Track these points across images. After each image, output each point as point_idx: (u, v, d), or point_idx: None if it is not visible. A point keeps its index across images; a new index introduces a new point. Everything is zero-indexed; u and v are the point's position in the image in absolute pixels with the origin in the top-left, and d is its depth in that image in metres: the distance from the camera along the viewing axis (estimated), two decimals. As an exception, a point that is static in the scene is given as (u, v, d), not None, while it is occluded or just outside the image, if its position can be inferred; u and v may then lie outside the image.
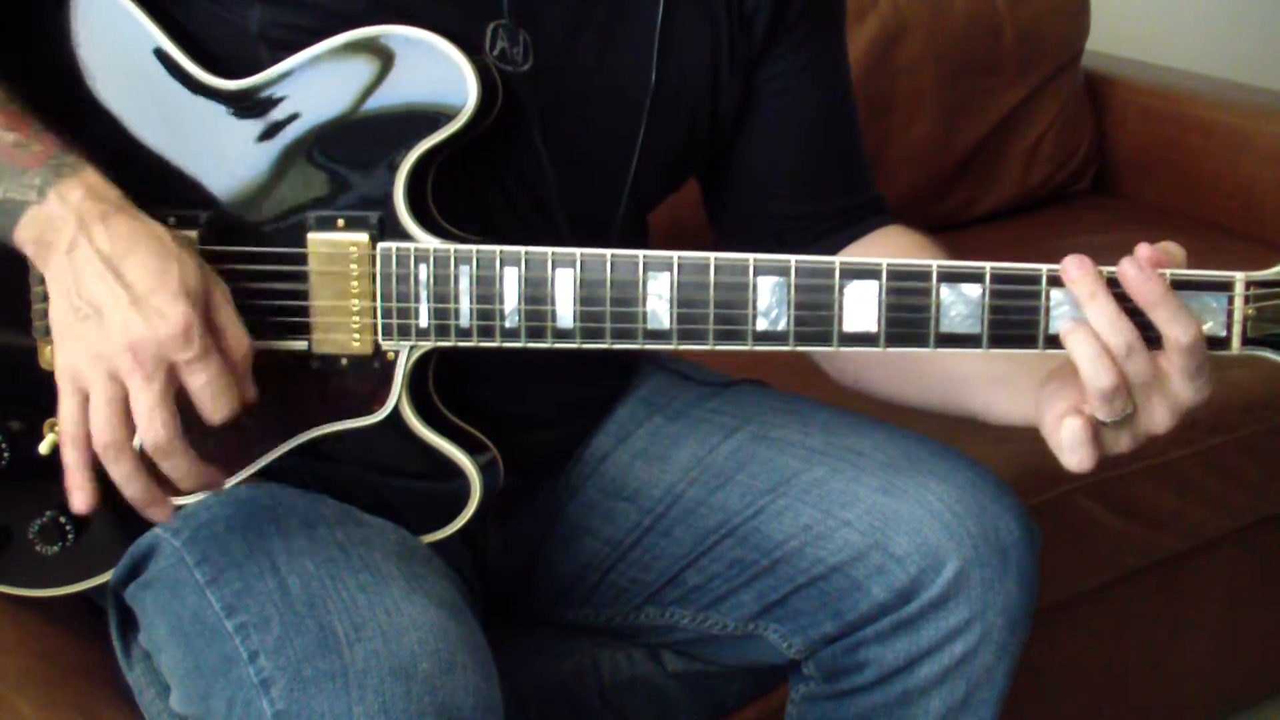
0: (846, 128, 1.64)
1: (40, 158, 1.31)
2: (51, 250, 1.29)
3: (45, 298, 1.40)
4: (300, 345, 1.35)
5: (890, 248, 1.58)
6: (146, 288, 1.26)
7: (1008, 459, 1.86)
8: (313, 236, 1.36)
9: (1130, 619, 2.37)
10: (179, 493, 1.33)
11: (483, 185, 1.43)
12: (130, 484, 1.30)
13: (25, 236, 1.30)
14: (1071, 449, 1.29)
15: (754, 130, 1.58)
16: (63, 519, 1.46)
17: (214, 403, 1.28)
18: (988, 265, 1.27)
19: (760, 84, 1.56)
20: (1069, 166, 3.12)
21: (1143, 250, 1.25)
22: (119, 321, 1.25)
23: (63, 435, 1.30)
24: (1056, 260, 1.28)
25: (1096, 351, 1.24)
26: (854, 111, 1.65)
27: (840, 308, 1.29)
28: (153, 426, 1.26)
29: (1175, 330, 1.24)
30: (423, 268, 1.34)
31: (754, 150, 1.59)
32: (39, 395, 1.45)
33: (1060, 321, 1.27)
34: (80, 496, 1.31)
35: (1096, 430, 1.29)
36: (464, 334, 1.35)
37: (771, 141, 1.58)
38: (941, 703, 1.50)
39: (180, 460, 1.29)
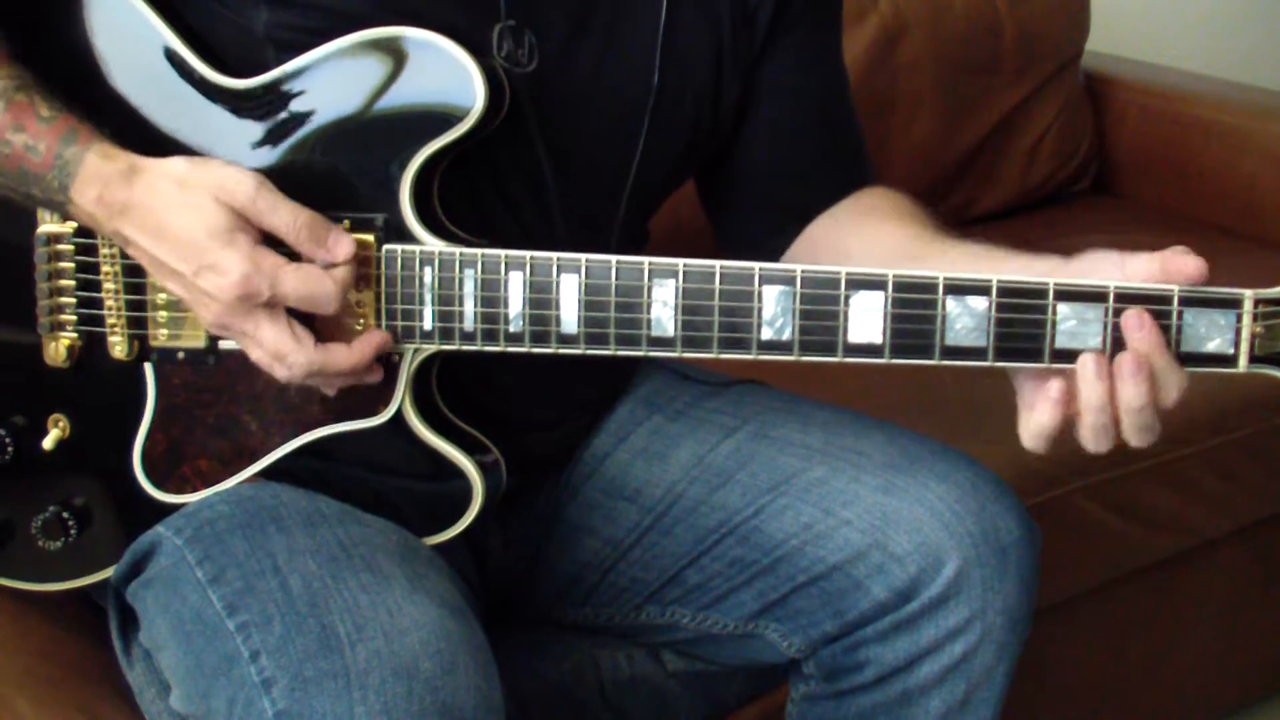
0: (845, 119, 1.65)
1: (47, 159, 1.32)
2: (116, 244, 1.36)
3: (50, 293, 1.41)
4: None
5: (863, 207, 1.59)
6: (192, 264, 1.28)
7: (1008, 459, 1.85)
8: (318, 237, 1.36)
9: (1130, 619, 2.37)
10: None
11: (484, 187, 1.43)
12: (332, 386, 1.36)
13: (84, 227, 1.38)
14: (1034, 437, 1.30)
15: (755, 126, 1.58)
16: (65, 514, 1.47)
17: (318, 304, 1.30)
18: (994, 277, 1.27)
19: (760, 81, 1.56)
20: (1069, 166, 3.12)
21: (1186, 267, 1.25)
22: (197, 304, 1.31)
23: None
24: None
25: (1103, 402, 1.26)
26: (850, 103, 1.65)
27: (845, 318, 1.29)
28: (290, 361, 1.31)
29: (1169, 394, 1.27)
30: (428, 270, 1.34)
31: (754, 146, 1.59)
32: (43, 391, 1.45)
33: (1080, 349, 1.27)
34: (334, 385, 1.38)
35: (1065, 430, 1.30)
36: (468, 338, 1.35)
37: (772, 136, 1.58)
38: (941, 702, 1.50)
39: (334, 363, 1.32)
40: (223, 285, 1.27)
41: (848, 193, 1.61)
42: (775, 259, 1.60)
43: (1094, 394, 1.26)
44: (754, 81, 1.56)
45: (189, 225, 1.28)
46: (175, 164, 1.31)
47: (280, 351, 1.30)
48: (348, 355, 1.32)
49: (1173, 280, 1.25)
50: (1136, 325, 1.24)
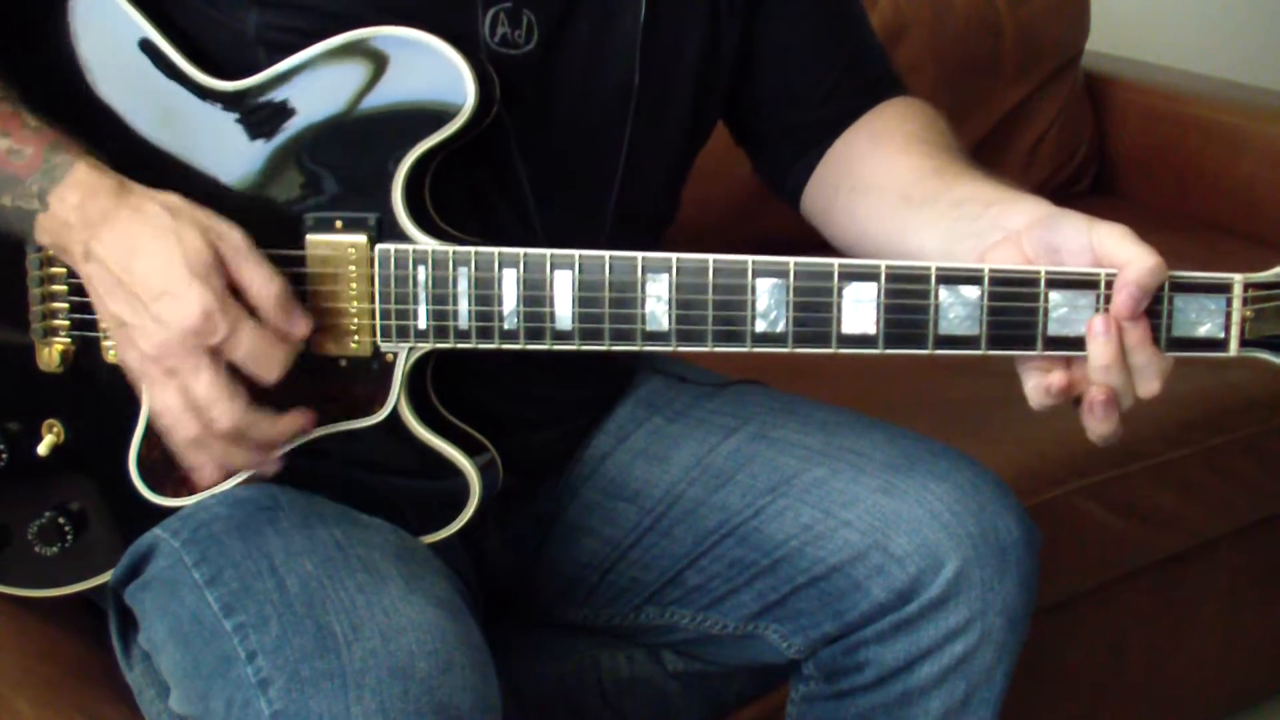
0: (858, 34, 1.65)
1: (33, 163, 1.31)
2: (72, 257, 1.32)
3: (43, 299, 1.41)
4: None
5: (879, 130, 1.60)
6: (157, 287, 1.26)
7: (1007, 459, 1.87)
8: (311, 238, 1.35)
9: (1130, 619, 2.37)
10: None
11: (475, 183, 1.43)
12: (229, 461, 1.32)
13: (45, 241, 1.33)
14: (1040, 409, 1.32)
15: (770, 56, 1.58)
16: (62, 519, 1.46)
17: (262, 367, 1.28)
18: (986, 267, 1.27)
19: (769, 13, 1.56)
20: (1069, 166, 3.12)
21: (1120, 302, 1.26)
22: (145, 327, 1.27)
23: (158, 426, 1.32)
24: (1057, 260, 1.29)
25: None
26: (863, 16, 1.66)
27: (839, 310, 1.29)
28: (216, 414, 1.27)
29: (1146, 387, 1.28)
30: (421, 269, 1.34)
31: (771, 75, 1.59)
32: (37, 396, 1.45)
33: (1072, 336, 1.28)
34: (202, 475, 1.35)
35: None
36: (463, 336, 1.35)
37: (787, 62, 1.59)
38: (941, 703, 1.50)
39: (257, 430, 1.30)
40: (181, 313, 1.25)
41: (870, 106, 1.62)
42: (804, 184, 1.62)
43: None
44: (762, 14, 1.56)
45: (169, 251, 1.26)
46: (169, 195, 1.30)
47: (210, 400, 1.27)
48: (272, 426, 1.31)
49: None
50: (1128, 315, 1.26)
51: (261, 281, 1.28)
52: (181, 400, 1.27)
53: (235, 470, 1.35)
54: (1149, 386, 1.27)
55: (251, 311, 1.28)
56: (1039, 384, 1.30)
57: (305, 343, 1.33)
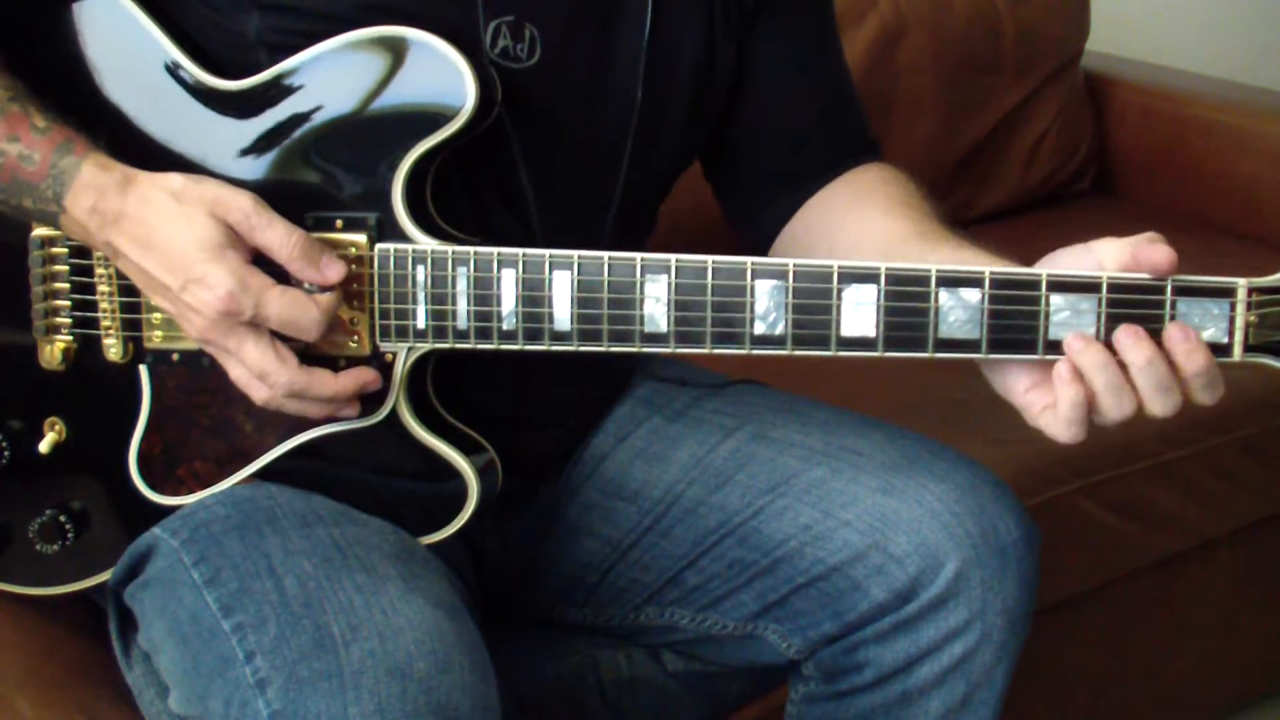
0: (840, 88, 1.64)
1: (42, 168, 1.32)
2: (104, 255, 1.36)
3: (45, 296, 1.41)
4: (298, 347, 1.35)
5: (858, 191, 1.58)
6: (177, 281, 1.29)
7: (1007, 459, 1.86)
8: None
9: (1130, 619, 2.37)
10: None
11: (477, 184, 1.43)
12: (311, 413, 1.36)
13: (74, 239, 1.38)
14: (1069, 424, 1.30)
15: (750, 95, 1.58)
16: (63, 518, 1.47)
17: (300, 329, 1.30)
18: (987, 270, 1.27)
19: (753, 50, 1.56)
20: (1069, 166, 3.11)
21: (1156, 256, 1.25)
22: (183, 316, 1.31)
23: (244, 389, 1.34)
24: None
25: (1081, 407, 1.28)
26: (846, 71, 1.65)
27: (838, 312, 1.29)
28: (273, 380, 1.31)
29: (1204, 399, 1.27)
30: (420, 269, 1.34)
31: (750, 115, 1.59)
32: (39, 394, 1.45)
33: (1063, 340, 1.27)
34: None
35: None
36: (461, 336, 1.35)
37: (767, 105, 1.58)
38: (941, 703, 1.50)
39: (317, 387, 1.32)
40: (207, 300, 1.27)
41: (846, 164, 1.61)
42: (775, 234, 1.61)
43: (1091, 360, 1.26)
44: (747, 51, 1.56)
45: (179, 237, 1.28)
46: (171, 178, 1.31)
47: (263, 370, 1.30)
48: (333, 383, 1.33)
49: (1143, 270, 1.26)
50: (1182, 338, 1.26)
51: (279, 240, 1.30)
52: (243, 370, 1.31)
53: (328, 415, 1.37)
54: (1215, 393, 1.27)
55: (284, 272, 1.31)
56: (1052, 410, 1.30)
57: (305, 342, 1.34)
